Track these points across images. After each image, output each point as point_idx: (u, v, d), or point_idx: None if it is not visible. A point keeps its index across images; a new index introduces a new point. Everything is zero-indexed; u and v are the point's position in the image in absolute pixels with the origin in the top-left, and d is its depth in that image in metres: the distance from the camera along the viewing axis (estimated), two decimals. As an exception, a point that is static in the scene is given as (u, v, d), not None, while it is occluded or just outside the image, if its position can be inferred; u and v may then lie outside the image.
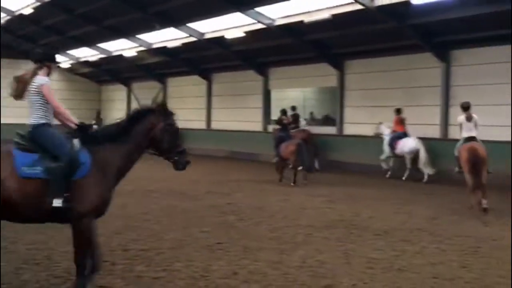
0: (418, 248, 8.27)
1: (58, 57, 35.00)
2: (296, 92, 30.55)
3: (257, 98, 26.12)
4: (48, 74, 6.04)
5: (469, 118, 12.47)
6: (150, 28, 24.80)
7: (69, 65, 36.28)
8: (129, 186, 14.65)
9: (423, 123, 18.83)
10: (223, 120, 28.29)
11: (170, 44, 26.58)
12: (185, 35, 24.82)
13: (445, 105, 18.50)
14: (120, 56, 30.45)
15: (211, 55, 26.51)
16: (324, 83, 24.55)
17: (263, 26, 21.12)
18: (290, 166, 16.26)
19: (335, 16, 18.53)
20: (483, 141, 12.46)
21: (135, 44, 28.39)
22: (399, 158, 18.24)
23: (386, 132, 18.61)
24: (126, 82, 36.27)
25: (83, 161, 5.62)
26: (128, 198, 12.56)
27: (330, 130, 23.14)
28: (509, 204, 12.35)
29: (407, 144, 17.73)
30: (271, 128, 22.36)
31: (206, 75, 29.40)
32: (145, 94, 34.53)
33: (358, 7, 17.52)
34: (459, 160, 12.34)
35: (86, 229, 5.71)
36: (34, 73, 5.92)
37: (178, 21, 23.60)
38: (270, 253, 7.77)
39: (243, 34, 22.35)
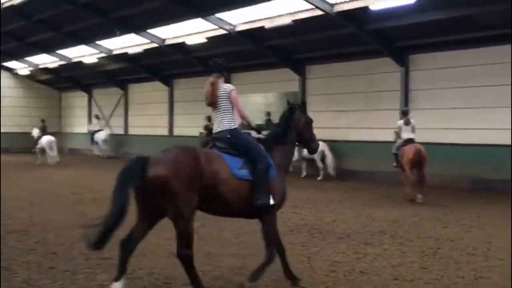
0: (379, 250, 8.38)
1: (17, 64, 34.54)
2: (258, 97, 30.67)
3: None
4: (225, 82, 6.84)
5: (407, 122, 14.62)
6: (110, 34, 24.59)
7: (29, 72, 35.70)
8: (89, 194, 14.59)
9: (384, 127, 19.09)
10: (186, 126, 28.18)
11: (131, 50, 26.40)
12: (146, 41, 24.69)
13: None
14: (80, 62, 30.10)
15: (172, 61, 26.42)
16: (286, 88, 24.63)
17: (225, 32, 21.15)
18: None
19: (296, 21, 18.69)
20: (440, 144, 13.08)
21: (95, 51, 28.10)
22: (309, 160, 19.83)
23: None
24: (87, 88, 35.87)
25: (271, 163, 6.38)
26: (89, 206, 12.44)
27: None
28: (463, 204, 12.65)
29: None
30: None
31: (167, 81, 29.29)
32: (106, 100, 34.29)
33: (319, 13, 17.69)
34: (399, 157, 14.61)
35: (274, 221, 6.60)
36: (218, 82, 6.70)
37: (139, 27, 23.47)
38: (233, 259, 7.78)
39: (205, 40, 22.35)
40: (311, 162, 19.92)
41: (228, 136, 6.37)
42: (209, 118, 20.22)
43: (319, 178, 19.43)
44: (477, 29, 16.34)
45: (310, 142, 7.09)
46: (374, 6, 16.47)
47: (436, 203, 13.31)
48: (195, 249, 8.28)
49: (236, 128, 6.46)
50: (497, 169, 16.04)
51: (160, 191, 5.72)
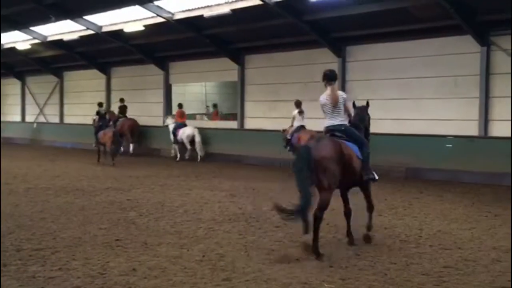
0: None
1: None
2: (198, 86, 30.55)
3: (158, 92, 25.88)
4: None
5: (300, 112, 17.81)
6: (45, 20, 23.92)
7: (-43, 58, 34.36)
8: (23, 184, 14.22)
9: (321, 117, 19.30)
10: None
11: (66, 37, 25.76)
12: (83, 28, 24.13)
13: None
14: (13, 48, 29.16)
15: (109, 49, 25.95)
16: (225, 78, 24.65)
17: (163, 20, 20.91)
18: (107, 149, 20.53)
19: (234, 11, 18.65)
20: (377, 134, 13.34)
21: (29, 37, 27.28)
22: (180, 143, 22.35)
23: (171, 123, 22.89)
24: (20, 76, 34.87)
25: None
26: (22, 197, 12.14)
27: (232, 124, 23.29)
28: (396, 193, 12.99)
29: (185, 132, 22.06)
30: (168, 121, 23.54)
31: (105, 69, 28.78)
32: (41, 88, 33.44)
33: (257, 2, 17.72)
34: (293, 141, 17.26)
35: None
36: (336, 88, 8.51)
37: (74, 13, 22.90)
38: (170, 248, 7.75)
39: (143, 28, 22.04)
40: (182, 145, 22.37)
41: (343, 128, 8.28)
42: (101, 104, 22.72)
43: (186, 157, 22.01)
44: (412, 21, 16.70)
45: (368, 133, 9.01)
46: (312, -3, 16.62)
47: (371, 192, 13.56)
48: (131, 238, 8.26)
49: (347, 124, 8.45)
50: (430, 159, 16.50)
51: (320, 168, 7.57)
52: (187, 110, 27.96)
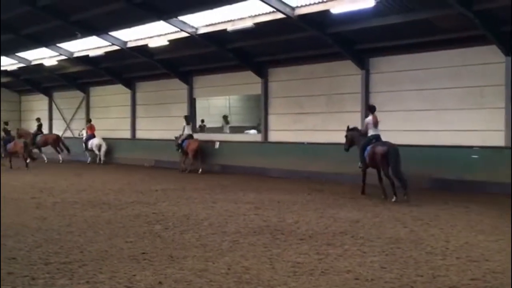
0: (340, 251, 8.47)
1: None
2: (221, 100, 30.71)
3: (182, 106, 26.07)
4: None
5: (188, 124, 23.14)
6: (71, 36, 24.33)
7: (-13, 75, 35.03)
8: (50, 198, 14.40)
9: (345, 129, 19.30)
10: (148, 129, 28.04)
11: (92, 53, 26.13)
12: (108, 43, 24.49)
13: (365, 111, 18.99)
14: (41, 65, 29.68)
15: (134, 64, 26.26)
16: (248, 91, 24.77)
17: (187, 35, 21.13)
18: (21, 157, 24.86)
19: (257, 24, 18.77)
20: (400, 145, 13.76)
21: (56, 53, 27.74)
22: (91, 151, 27.65)
23: (85, 134, 28.20)
24: (47, 91, 35.39)
25: None
26: (50, 211, 12.28)
27: (255, 137, 23.38)
28: (422, 204, 12.89)
29: (94, 142, 27.47)
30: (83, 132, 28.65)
31: (130, 84, 29.09)
32: (67, 104, 33.90)
33: (280, 16, 17.82)
34: (183, 145, 22.65)
35: None
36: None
37: (100, 29, 23.26)
38: (195, 261, 7.78)
39: (167, 43, 22.28)
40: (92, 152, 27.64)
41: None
42: (6, 123, 28.46)
43: (89, 162, 27.94)
44: (435, 32, 16.66)
45: None
46: (335, 10, 16.64)
47: (396, 203, 13.52)
48: (157, 251, 8.32)
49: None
50: (454, 170, 16.36)
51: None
52: (211, 124, 28.14)
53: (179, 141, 23.31)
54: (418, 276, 7.08)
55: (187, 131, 23.56)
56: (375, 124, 14.82)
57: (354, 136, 15.61)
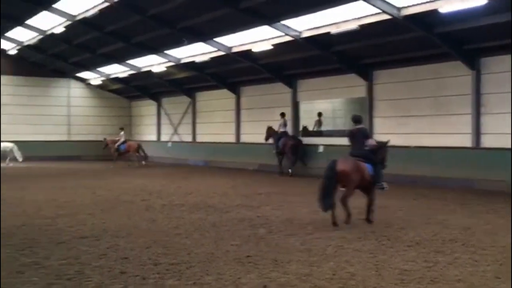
0: (450, 259, 8.15)
1: (89, 74, 35.61)
2: (325, 103, 30.53)
3: (286, 110, 26.13)
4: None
5: (122, 129, 26.29)
6: (178, 43, 25.07)
7: (100, 82, 36.80)
8: (159, 201, 14.87)
9: (454, 132, 18.66)
10: (252, 133, 28.33)
11: (198, 59, 26.79)
12: (213, 49, 25.02)
13: (476, 113, 18.26)
14: (149, 72, 30.80)
15: (239, 69, 26.66)
16: (353, 94, 24.48)
17: (291, 39, 21.18)
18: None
19: (362, 26, 18.49)
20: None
21: (164, 60, 28.69)
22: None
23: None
24: (156, 97, 36.62)
25: None
26: (158, 213, 12.67)
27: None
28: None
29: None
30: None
31: (234, 88, 29.54)
32: (175, 109, 34.94)
33: (386, 17, 17.46)
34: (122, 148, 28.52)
35: None
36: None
37: (206, 36, 23.80)
38: (300, 266, 7.74)
39: (271, 47, 22.44)
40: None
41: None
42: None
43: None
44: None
45: None
46: (444, 9, 16.10)
47: (509, 211, 12.84)
48: (262, 255, 8.35)
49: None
50: None
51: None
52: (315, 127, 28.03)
53: (116, 145, 28.41)
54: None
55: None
56: None
57: None
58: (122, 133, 30.70)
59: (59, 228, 10.78)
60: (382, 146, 11.86)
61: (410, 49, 19.60)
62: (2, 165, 27.96)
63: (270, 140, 24.62)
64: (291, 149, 23.57)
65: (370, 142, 11.74)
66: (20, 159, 30.44)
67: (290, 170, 23.35)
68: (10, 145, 30.76)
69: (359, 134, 11.75)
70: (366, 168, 11.27)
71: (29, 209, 13.33)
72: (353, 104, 29.77)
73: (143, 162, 29.71)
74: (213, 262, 7.93)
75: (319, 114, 28.09)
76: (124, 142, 30.40)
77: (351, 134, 11.93)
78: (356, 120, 11.98)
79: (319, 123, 28.05)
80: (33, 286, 6.78)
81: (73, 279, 7.06)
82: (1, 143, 30.10)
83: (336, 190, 11.04)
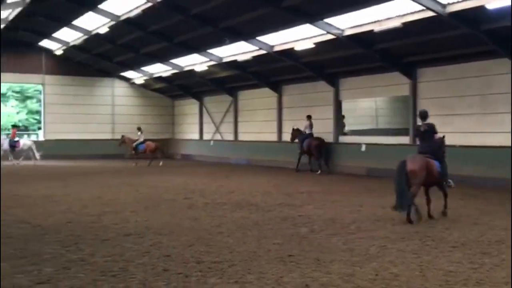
0: (497, 260, 7.98)
1: (133, 74, 36.05)
2: (368, 102, 30.28)
3: (328, 109, 25.99)
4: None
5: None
6: (220, 42, 25.18)
7: (143, 81, 37.24)
8: (201, 199, 14.97)
9: (501, 131, 18.23)
10: (294, 132, 28.24)
11: (240, 58, 26.86)
12: (255, 48, 25.04)
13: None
14: (192, 71, 31.02)
15: (281, 67, 26.62)
16: (396, 92, 24.20)
17: (333, 37, 21.04)
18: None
19: (405, 24, 18.24)
20: None
21: (206, 59, 28.85)
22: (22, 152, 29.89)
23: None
24: (198, 96, 36.85)
25: None
26: (201, 211, 12.75)
27: (403, 139, 22.70)
28: None
29: (25, 143, 30.26)
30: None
31: (276, 87, 29.52)
32: (217, 107, 35.11)
33: (430, 14, 17.18)
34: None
35: None
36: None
37: (248, 35, 23.84)
38: (342, 266, 7.69)
39: (313, 46, 22.34)
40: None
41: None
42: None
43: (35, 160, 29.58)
44: None
45: None
46: (491, 5, 15.75)
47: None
48: (304, 254, 8.32)
49: None
50: None
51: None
52: (357, 126, 27.87)
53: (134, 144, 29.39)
54: None
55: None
56: None
57: None
58: (139, 133, 30.68)
59: (104, 225, 10.96)
60: (443, 142, 12.13)
61: (456, 46, 19.24)
62: (30, 162, 29.12)
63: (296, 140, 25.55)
64: (316, 149, 24.19)
65: (436, 137, 11.97)
66: (38, 157, 29.97)
67: (318, 170, 23.94)
68: (29, 142, 30.93)
69: (428, 130, 11.83)
70: (434, 164, 11.42)
71: (74, 206, 13.58)
72: (397, 103, 29.45)
73: (160, 163, 29.41)
74: (255, 261, 7.94)
75: (342, 117, 27.70)
76: (143, 142, 30.25)
77: (419, 131, 12.03)
78: (424, 115, 12.03)
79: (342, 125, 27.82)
80: (79, 282, 6.91)
81: (118, 276, 7.16)
82: (21, 141, 30.52)
83: (413, 190, 11.27)
